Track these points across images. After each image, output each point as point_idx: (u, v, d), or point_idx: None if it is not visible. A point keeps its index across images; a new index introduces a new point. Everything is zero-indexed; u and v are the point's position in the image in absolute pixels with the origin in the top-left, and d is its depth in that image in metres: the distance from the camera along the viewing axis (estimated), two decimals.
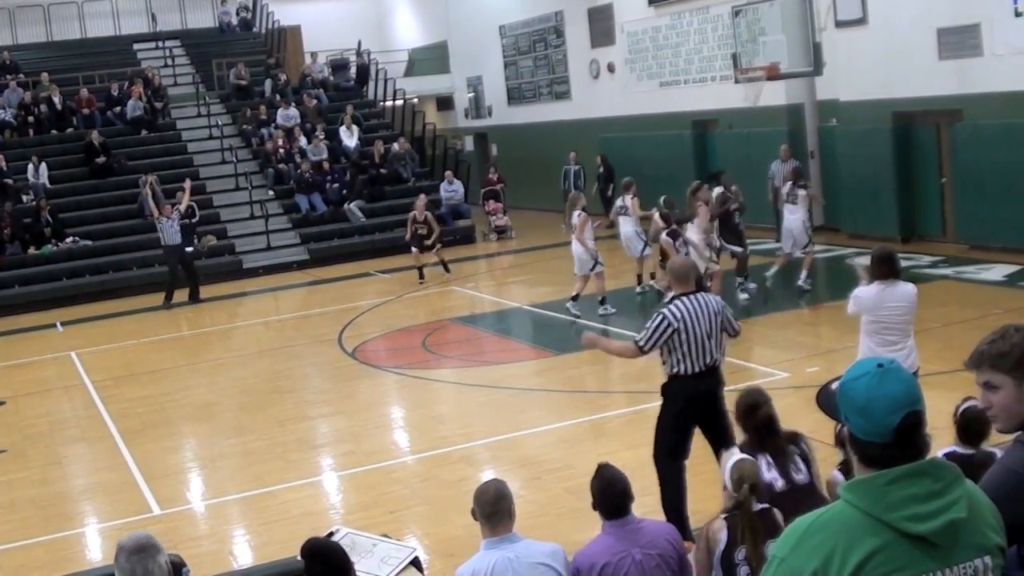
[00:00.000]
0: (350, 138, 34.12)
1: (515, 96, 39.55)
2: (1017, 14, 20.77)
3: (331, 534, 7.21)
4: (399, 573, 7.09)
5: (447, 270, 25.99)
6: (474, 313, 22.77)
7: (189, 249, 28.20)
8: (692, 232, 18.37)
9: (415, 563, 7.39)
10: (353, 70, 40.00)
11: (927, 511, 3.29)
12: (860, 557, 3.26)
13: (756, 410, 7.66)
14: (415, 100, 40.89)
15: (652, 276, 21.28)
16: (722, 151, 29.00)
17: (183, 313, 25.51)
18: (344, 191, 32.28)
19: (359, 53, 39.86)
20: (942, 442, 6.74)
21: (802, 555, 3.35)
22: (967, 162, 22.33)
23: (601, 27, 33.78)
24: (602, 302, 20.12)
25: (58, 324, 25.12)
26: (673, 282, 9.84)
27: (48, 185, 30.90)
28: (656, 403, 11.74)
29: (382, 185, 33.04)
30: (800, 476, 7.46)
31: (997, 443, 7.58)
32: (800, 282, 20.23)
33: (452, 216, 32.11)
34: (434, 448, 13.67)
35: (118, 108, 34.37)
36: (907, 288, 10.07)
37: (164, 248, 26.03)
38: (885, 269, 10.00)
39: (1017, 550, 3.88)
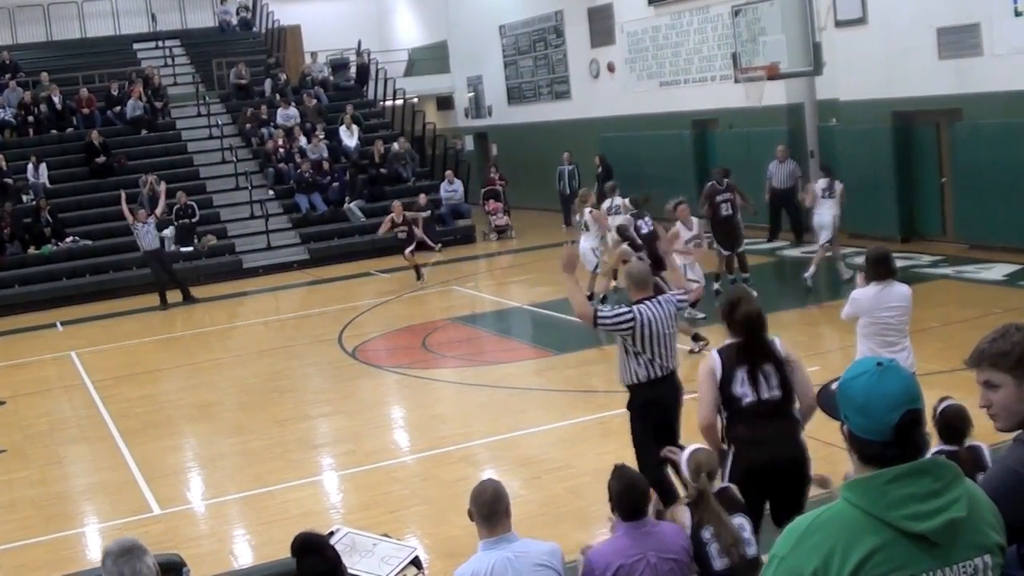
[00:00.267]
0: (350, 138, 34.12)
1: (515, 96, 39.54)
2: (1017, 14, 20.76)
3: (331, 534, 7.22)
4: (399, 572, 7.10)
5: (419, 277, 25.58)
6: (474, 313, 22.77)
7: (187, 249, 28.26)
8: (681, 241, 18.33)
9: (415, 562, 7.40)
10: (353, 70, 40.02)
11: (927, 510, 3.29)
12: (860, 556, 3.27)
13: (738, 305, 7.92)
14: (415, 100, 40.91)
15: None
16: (722, 151, 28.97)
17: (182, 313, 25.50)
18: (344, 191, 32.28)
19: (359, 53, 39.88)
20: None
21: (802, 554, 3.35)
22: (967, 161, 22.32)
23: (601, 27, 33.78)
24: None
25: (58, 324, 25.12)
26: (632, 287, 9.69)
27: (48, 185, 30.90)
28: None
29: (382, 185, 33.03)
30: (773, 393, 7.77)
31: (997, 441, 7.59)
32: (806, 275, 20.27)
33: (452, 216, 32.14)
34: (434, 448, 13.67)
35: (118, 108, 34.38)
36: (903, 288, 10.05)
37: (144, 253, 25.94)
38: (882, 269, 9.96)
39: (1017, 549, 3.88)
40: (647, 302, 9.44)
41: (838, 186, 20.68)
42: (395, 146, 34.17)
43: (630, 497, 6.59)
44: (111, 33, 42.12)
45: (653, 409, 9.60)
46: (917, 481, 3.32)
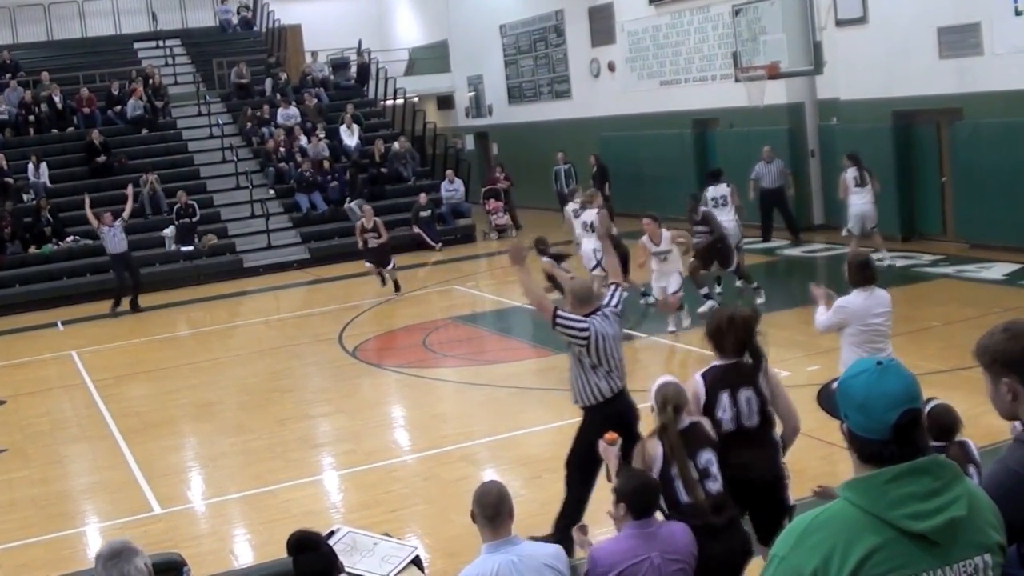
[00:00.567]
0: (350, 137, 34.14)
1: (515, 95, 39.55)
2: (1017, 13, 20.76)
3: (332, 533, 7.22)
4: (400, 572, 7.09)
5: (397, 289, 24.60)
6: (474, 312, 22.77)
7: (188, 248, 28.24)
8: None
9: (416, 562, 7.40)
10: (354, 69, 40.01)
11: (927, 509, 3.29)
12: (860, 555, 3.27)
13: (730, 327, 7.83)
14: (415, 99, 40.92)
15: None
16: (722, 150, 28.99)
17: (180, 313, 25.52)
18: (344, 190, 32.28)
19: (359, 52, 39.88)
20: None
21: (802, 554, 3.35)
22: (967, 161, 22.33)
23: (601, 26, 33.79)
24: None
25: (59, 323, 25.12)
26: (575, 304, 9.49)
27: (48, 184, 30.89)
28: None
29: (382, 184, 33.04)
30: (753, 420, 7.78)
31: (993, 441, 7.60)
32: (886, 261, 20.64)
33: (453, 215, 32.15)
34: (435, 447, 13.68)
35: (118, 107, 34.37)
36: (885, 293, 10.03)
37: (111, 257, 25.63)
38: (866, 274, 9.92)
39: (1017, 548, 3.89)
40: (597, 315, 9.35)
41: (867, 175, 21.02)
42: (395, 145, 34.17)
43: (645, 495, 6.58)
44: (112, 32, 42.10)
45: (616, 424, 9.30)
46: (917, 480, 3.32)
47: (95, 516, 12.71)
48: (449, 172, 33.31)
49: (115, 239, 25.21)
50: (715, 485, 7.23)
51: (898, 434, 3.35)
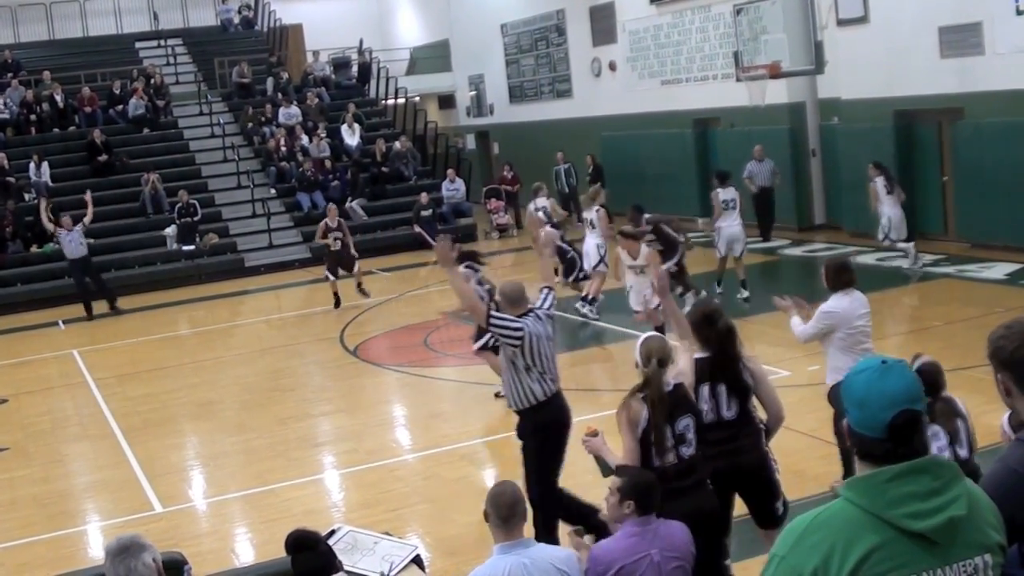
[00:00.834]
0: (352, 136, 34.16)
1: (517, 94, 39.55)
2: (1018, 12, 20.76)
3: (332, 532, 7.23)
4: (400, 571, 7.10)
5: (365, 294, 23.63)
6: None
7: (189, 247, 28.23)
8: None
9: (416, 561, 7.41)
10: (355, 68, 40.02)
11: (927, 508, 3.29)
12: (860, 554, 3.27)
13: (715, 321, 7.89)
14: (417, 99, 40.92)
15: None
16: (723, 150, 28.99)
17: (182, 312, 25.55)
18: (345, 189, 32.30)
19: (361, 51, 39.89)
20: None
21: (802, 553, 3.35)
22: (968, 160, 22.34)
23: (603, 25, 33.79)
24: (591, 301, 19.90)
25: (60, 322, 25.12)
26: (506, 305, 9.40)
27: (50, 183, 30.89)
28: None
29: (384, 184, 33.06)
30: (731, 412, 7.83)
31: (994, 442, 7.60)
32: (917, 265, 20.82)
33: (454, 214, 32.15)
34: (436, 446, 13.68)
35: (120, 106, 34.38)
36: (861, 294, 9.97)
37: (69, 262, 25.31)
38: (846, 278, 9.84)
39: (1018, 548, 3.89)
40: (529, 316, 9.31)
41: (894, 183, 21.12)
42: (396, 145, 34.18)
43: (653, 492, 6.57)
44: (113, 32, 42.13)
45: (551, 429, 9.42)
46: (916, 479, 3.33)
47: (96, 515, 12.72)
48: (450, 171, 33.33)
49: (73, 244, 24.87)
50: (688, 450, 7.33)
51: (893, 433, 3.35)
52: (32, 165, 30.75)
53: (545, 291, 9.82)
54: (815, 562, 3.31)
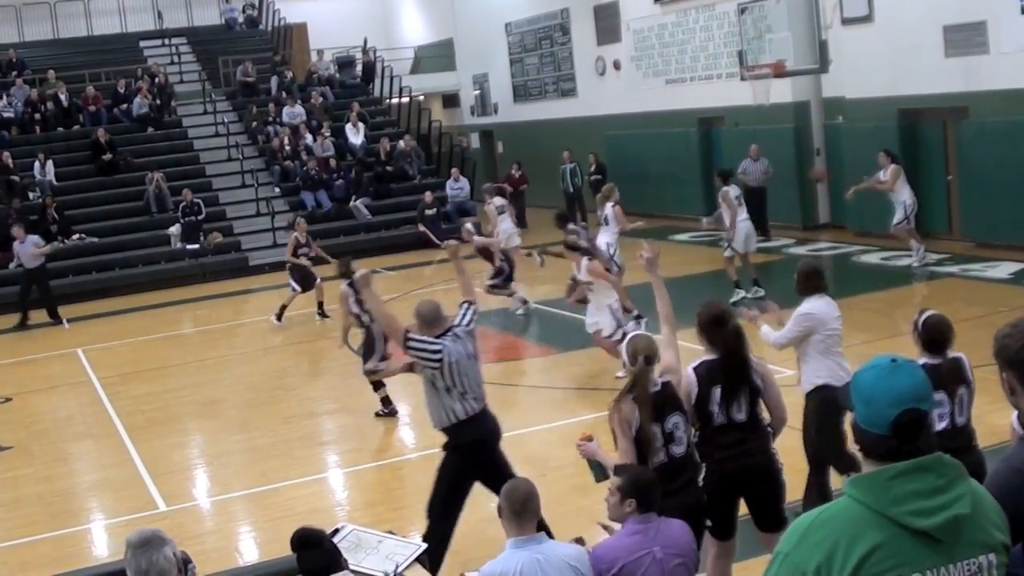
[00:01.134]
0: (356, 135, 34.19)
1: (521, 93, 39.55)
2: (1023, 11, 20.74)
3: (336, 531, 7.22)
4: (405, 569, 7.09)
5: (324, 315, 22.72)
6: (480, 311, 22.69)
7: (193, 246, 28.22)
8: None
9: (420, 560, 7.40)
10: (359, 67, 40.05)
11: (931, 506, 3.29)
12: (863, 552, 3.27)
13: (725, 323, 7.81)
14: (421, 98, 40.91)
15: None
16: (728, 148, 28.97)
17: (185, 311, 25.57)
18: (349, 188, 32.31)
19: (365, 51, 39.90)
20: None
21: (805, 550, 3.35)
22: (973, 160, 22.32)
23: (607, 24, 33.78)
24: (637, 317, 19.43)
25: (64, 321, 25.12)
26: (422, 326, 9.24)
27: (55, 182, 30.93)
28: None
29: (388, 183, 33.06)
30: (741, 415, 7.77)
31: (1006, 440, 7.59)
32: (921, 259, 21.32)
33: (458, 214, 32.15)
34: (440, 445, 13.66)
35: (124, 105, 34.40)
36: (832, 300, 9.88)
37: (23, 271, 25.09)
38: (815, 283, 9.73)
39: (1022, 548, 3.89)
40: (448, 336, 9.18)
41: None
42: (400, 144, 34.19)
43: (653, 489, 6.57)
44: (118, 31, 42.18)
45: (477, 451, 9.37)
46: (920, 477, 3.32)
47: (100, 513, 12.73)
48: (455, 171, 33.30)
49: (25, 254, 24.81)
50: (679, 448, 7.33)
51: (898, 431, 3.35)
52: (37, 164, 30.77)
53: (465, 306, 9.70)
54: (818, 559, 3.31)
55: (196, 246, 29.47)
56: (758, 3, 23.98)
